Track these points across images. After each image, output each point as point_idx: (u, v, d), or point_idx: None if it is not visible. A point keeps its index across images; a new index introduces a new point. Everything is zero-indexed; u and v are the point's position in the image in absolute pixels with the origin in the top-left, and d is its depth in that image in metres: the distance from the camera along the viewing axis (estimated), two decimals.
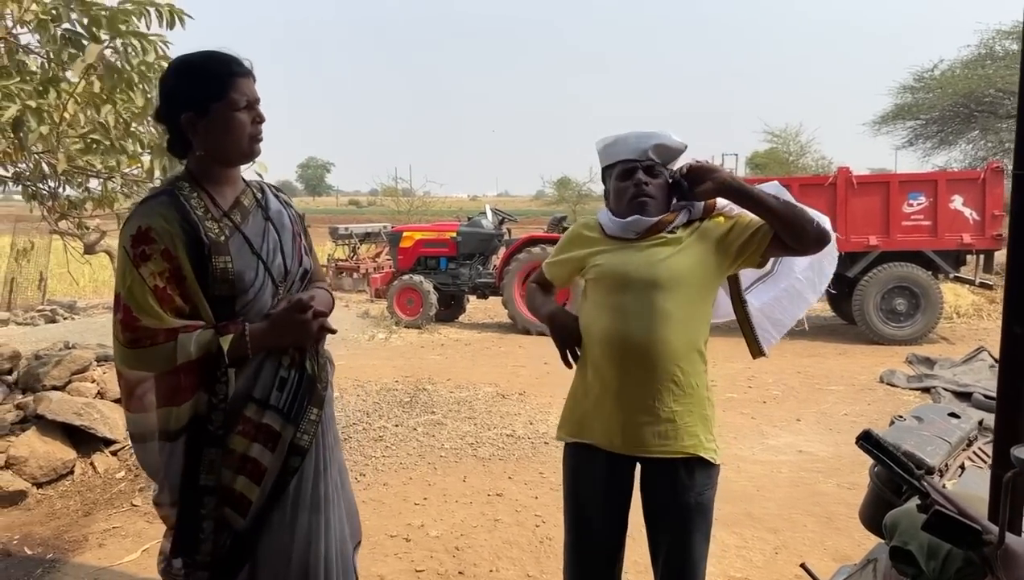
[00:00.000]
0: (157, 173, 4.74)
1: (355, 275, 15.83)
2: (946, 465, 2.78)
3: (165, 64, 4.22)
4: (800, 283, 2.44)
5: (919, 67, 23.02)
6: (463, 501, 4.49)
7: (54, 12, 4.05)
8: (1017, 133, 1.51)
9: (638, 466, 2.24)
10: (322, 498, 1.99)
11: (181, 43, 4.50)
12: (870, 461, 2.11)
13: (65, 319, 12.05)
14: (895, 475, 1.74)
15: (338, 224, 18.04)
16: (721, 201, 2.24)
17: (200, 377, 1.82)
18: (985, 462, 2.86)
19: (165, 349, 1.78)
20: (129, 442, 4.86)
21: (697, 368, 2.18)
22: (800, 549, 3.87)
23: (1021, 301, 1.61)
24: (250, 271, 1.90)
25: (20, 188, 5.30)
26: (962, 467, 2.84)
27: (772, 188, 2.19)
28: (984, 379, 7.48)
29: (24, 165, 4.85)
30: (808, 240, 2.11)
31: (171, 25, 4.19)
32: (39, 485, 4.48)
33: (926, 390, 7.37)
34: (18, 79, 4.08)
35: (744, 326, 2.47)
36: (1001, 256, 11.56)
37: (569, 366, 2.33)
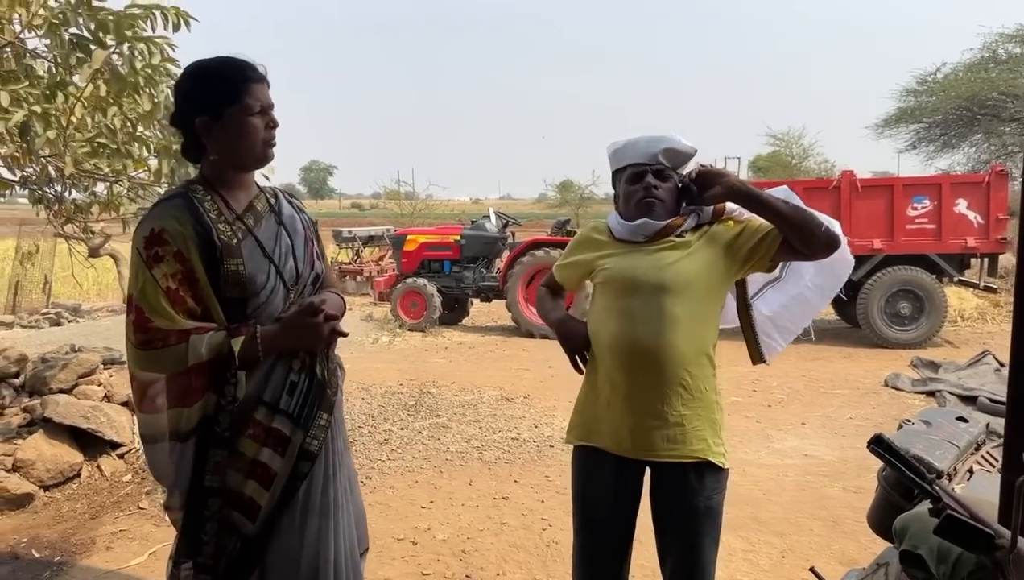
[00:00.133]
0: (164, 176, 4.75)
1: (358, 278, 15.84)
2: (955, 469, 2.79)
3: (171, 67, 4.24)
4: (810, 290, 2.44)
5: (922, 70, 23.01)
6: (469, 504, 4.49)
7: (61, 16, 4.07)
8: None
9: (647, 470, 2.24)
10: (332, 503, 2.00)
11: (184, 45, 4.51)
12: (876, 465, 2.12)
13: (69, 322, 12.08)
14: (906, 479, 1.74)
15: (341, 227, 18.05)
16: (730, 205, 2.24)
17: (210, 378, 1.82)
18: (994, 466, 2.86)
19: (177, 350, 1.79)
20: (135, 445, 4.89)
21: (706, 372, 2.18)
22: (806, 553, 3.86)
23: None
24: (262, 274, 1.91)
25: (26, 192, 5.31)
26: (971, 471, 2.84)
27: (782, 192, 2.20)
28: (989, 383, 7.46)
29: (30, 169, 4.86)
30: (818, 245, 2.11)
31: (176, 28, 4.20)
32: (46, 488, 4.49)
33: (931, 394, 7.36)
34: (26, 83, 4.09)
35: (747, 331, 2.47)
36: (1005, 259, 11.57)
37: (580, 372, 2.33)
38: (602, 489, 2.26)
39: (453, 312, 12.51)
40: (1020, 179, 14.22)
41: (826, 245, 2.12)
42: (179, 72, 4.13)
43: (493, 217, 12.78)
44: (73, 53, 4.24)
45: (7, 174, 4.97)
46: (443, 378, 8.03)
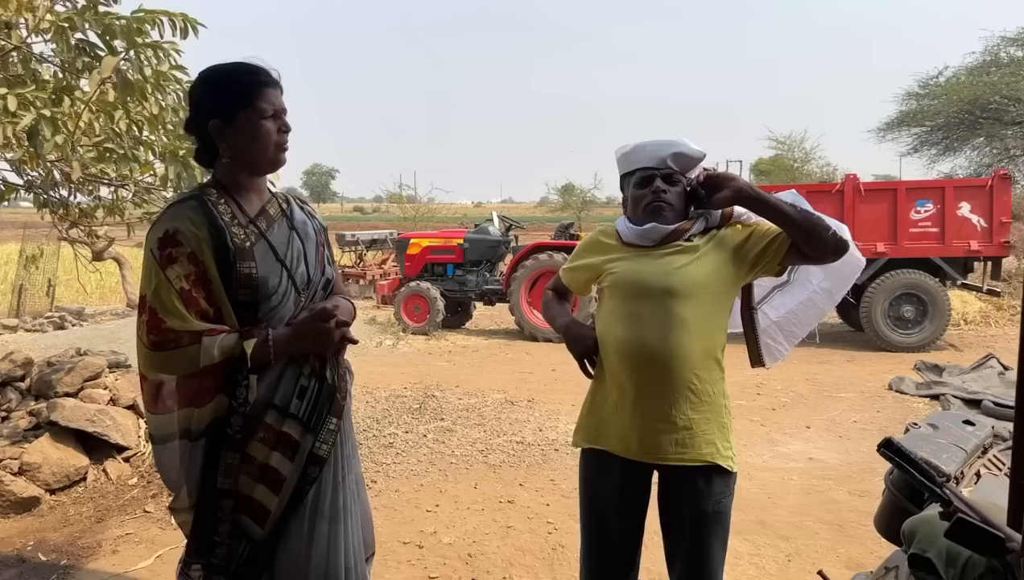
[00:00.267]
0: (170, 181, 4.76)
1: (361, 282, 15.86)
2: (962, 472, 2.79)
3: (179, 73, 4.25)
4: (817, 294, 2.45)
5: (924, 74, 23.05)
6: (475, 508, 4.49)
7: (68, 21, 4.08)
8: None
9: (655, 473, 2.25)
10: (341, 508, 2.00)
11: (187, 48, 4.52)
12: (881, 468, 2.13)
13: (73, 326, 12.09)
14: (916, 483, 1.75)
15: (344, 231, 18.09)
16: (738, 209, 2.25)
17: (222, 380, 1.83)
18: (1001, 469, 2.86)
19: (189, 352, 1.79)
20: (141, 449, 4.90)
21: (714, 376, 2.18)
22: (812, 556, 3.86)
23: None
24: (274, 277, 1.92)
25: (30, 196, 5.33)
26: (978, 474, 2.84)
27: (790, 196, 2.20)
28: (993, 386, 7.46)
29: (34, 173, 4.87)
30: (826, 249, 2.12)
31: (184, 34, 4.21)
32: (52, 491, 4.49)
33: (935, 397, 7.36)
34: (33, 87, 4.11)
35: (748, 335, 2.48)
36: (1009, 263, 11.57)
37: (589, 376, 2.33)
38: (609, 492, 2.26)
39: (456, 315, 12.53)
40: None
41: (834, 249, 2.13)
42: (187, 78, 4.16)
43: (496, 221, 12.80)
44: (80, 58, 4.25)
45: (12, 178, 4.99)
46: (447, 382, 8.04)
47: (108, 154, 4.54)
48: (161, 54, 4.09)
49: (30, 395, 5.13)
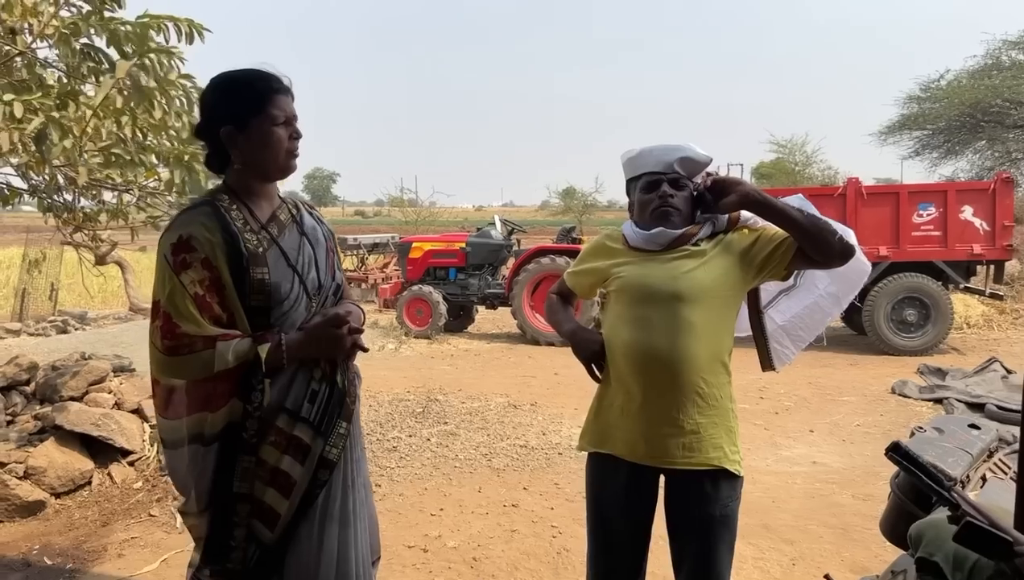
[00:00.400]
0: (175, 186, 4.77)
1: (363, 285, 15.87)
2: (967, 476, 2.80)
3: (185, 81, 4.26)
4: (823, 299, 2.46)
5: (925, 77, 23.08)
6: (479, 512, 4.49)
7: (73, 27, 4.10)
8: None
9: (662, 477, 2.25)
10: (350, 512, 2.01)
11: (188, 50, 4.52)
12: (885, 472, 2.13)
13: (76, 330, 12.10)
14: (924, 487, 1.75)
15: (345, 234, 18.11)
16: (745, 214, 2.25)
17: (236, 385, 1.84)
18: (1006, 473, 2.87)
19: (203, 357, 1.80)
20: (145, 452, 4.91)
21: (721, 380, 2.19)
22: (817, 560, 3.87)
23: None
24: (286, 283, 1.93)
25: (33, 199, 5.34)
26: (983, 478, 2.85)
27: (796, 201, 2.21)
28: (997, 390, 7.46)
29: (39, 178, 4.89)
30: (832, 253, 2.13)
31: (190, 39, 4.22)
32: (57, 495, 4.51)
33: (938, 401, 7.35)
34: (39, 93, 4.12)
35: (758, 339, 2.49)
36: (1011, 266, 11.56)
37: (597, 380, 2.33)
38: (616, 496, 2.26)
39: (458, 319, 12.53)
40: None
41: (841, 254, 2.14)
42: (192, 84, 4.18)
43: (498, 224, 12.81)
44: (84, 63, 4.27)
45: (17, 183, 5.00)
46: (450, 385, 8.04)
47: (115, 159, 4.55)
48: (170, 61, 4.10)
49: (35, 399, 5.14)
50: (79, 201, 5.45)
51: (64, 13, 4.21)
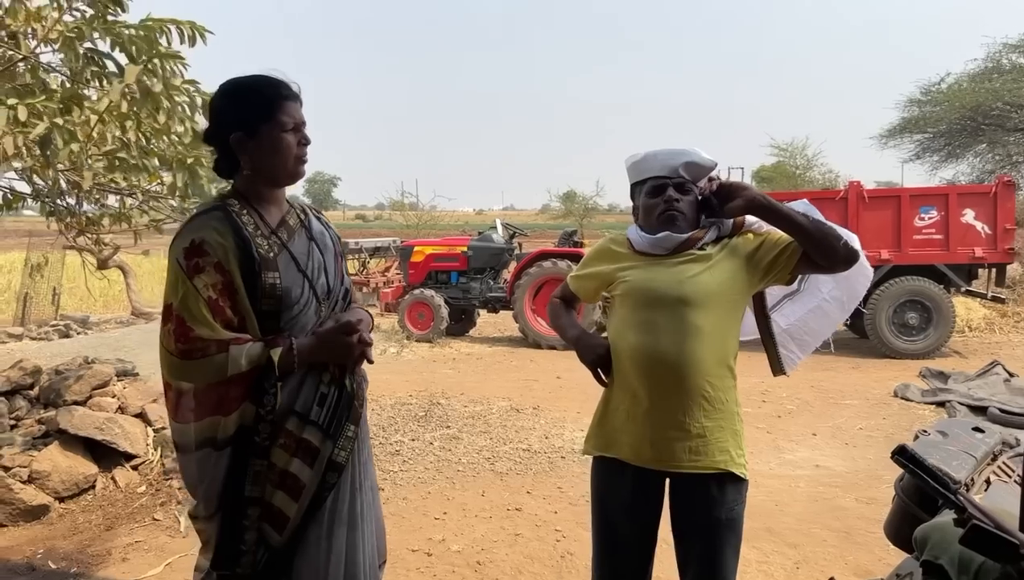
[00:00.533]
0: (178, 190, 4.78)
1: (365, 289, 15.87)
2: (972, 479, 2.79)
3: (189, 86, 4.27)
4: (827, 303, 2.47)
5: (926, 80, 23.10)
6: (483, 516, 4.50)
7: (76, 31, 4.11)
8: None
9: (667, 481, 2.25)
10: (358, 514, 2.02)
11: (189, 54, 4.53)
12: (888, 475, 2.14)
13: (78, 334, 12.10)
14: (931, 490, 1.76)
15: (346, 238, 18.11)
16: (750, 218, 2.26)
17: (248, 388, 1.85)
18: (1011, 476, 2.86)
19: (217, 361, 1.81)
20: (149, 457, 4.91)
21: (727, 383, 2.19)
22: (821, 564, 3.87)
23: None
24: (296, 287, 1.94)
25: (35, 204, 5.35)
26: (987, 482, 2.85)
27: (801, 206, 2.22)
28: (999, 393, 7.46)
29: (43, 182, 4.90)
30: (837, 258, 2.14)
31: (192, 42, 4.23)
32: (61, 499, 4.51)
33: (941, 404, 7.36)
34: (43, 96, 4.13)
35: (767, 343, 2.49)
36: (1013, 269, 11.55)
37: (604, 385, 2.33)
38: (621, 500, 2.26)
39: (460, 323, 12.53)
40: None
41: (845, 259, 2.15)
42: (195, 89, 4.19)
43: (500, 228, 12.82)
44: (88, 67, 4.28)
45: (20, 187, 5.01)
46: (452, 389, 8.04)
47: (119, 163, 4.57)
48: (173, 66, 4.11)
49: (39, 403, 5.15)
50: (82, 205, 5.47)
51: (67, 18, 4.22)
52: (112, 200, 5.45)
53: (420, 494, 4.87)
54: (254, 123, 1.90)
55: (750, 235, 2.27)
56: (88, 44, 4.21)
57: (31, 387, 5.24)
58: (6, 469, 4.43)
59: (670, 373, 2.12)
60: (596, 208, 43.11)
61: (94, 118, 4.07)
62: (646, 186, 2.27)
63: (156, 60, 4.06)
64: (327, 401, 1.96)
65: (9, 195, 5.01)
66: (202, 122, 4.39)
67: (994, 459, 3.03)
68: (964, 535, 1.58)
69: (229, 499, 1.88)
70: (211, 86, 4.09)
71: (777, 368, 2.49)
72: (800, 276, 2.36)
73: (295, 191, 2.09)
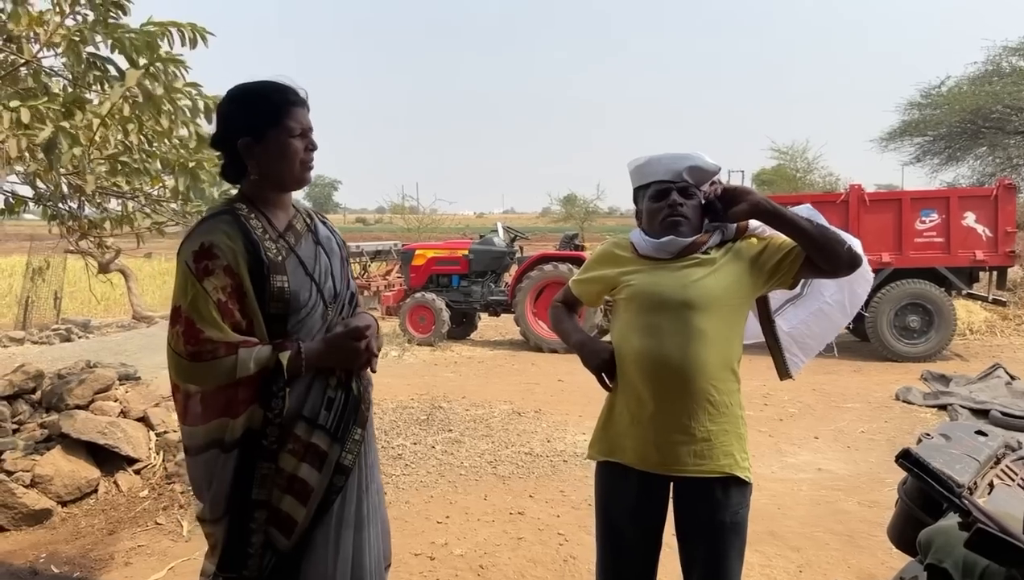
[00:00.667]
0: (180, 193, 4.79)
1: (366, 293, 15.87)
2: (975, 483, 2.79)
3: (191, 89, 4.28)
4: (829, 307, 2.47)
5: (926, 84, 23.12)
6: (485, 519, 4.49)
7: (79, 35, 4.11)
8: None
9: (671, 485, 2.25)
10: (365, 517, 2.03)
11: (190, 56, 4.53)
12: (890, 479, 2.14)
13: (80, 338, 12.11)
14: (936, 493, 1.76)
15: (348, 242, 18.05)
16: (753, 222, 2.27)
17: (256, 391, 1.86)
18: (1013, 480, 2.86)
19: (226, 363, 1.82)
20: (151, 461, 4.91)
21: (731, 387, 2.20)
22: (823, 567, 3.87)
23: None
24: (304, 291, 1.96)
25: (39, 208, 5.35)
26: (991, 485, 2.85)
27: (805, 210, 2.23)
28: (1001, 396, 7.46)
29: (46, 186, 4.90)
30: (840, 263, 2.15)
31: (193, 44, 4.23)
32: (64, 503, 4.51)
33: (942, 407, 7.35)
34: (46, 99, 4.14)
35: (773, 348, 2.50)
36: (1014, 272, 11.55)
37: (609, 390, 2.33)
38: (626, 505, 2.27)
39: (461, 326, 12.54)
40: None
41: (849, 264, 2.16)
42: (197, 92, 4.19)
43: (501, 232, 12.83)
44: (90, 71, 4.28)
45: (22, 191, 5.02)
46: (453, 392, 8.04)
47: (121, 167, 4.57)
48: (175, 69, 4.11)
49: (41, 407, 5.14)
50: (84, 209, 5.47)
51: (68, 22, 4.23)
52: (114, 203, 5.46)
53: (422, 498, 4.87)
54: (262, 128, 1.92)
55: (753, 239, 2.28)
56: (91, 48, 4.22)
57: (33, 391, 5.24)
58: (9, 473, 4.42)
59: (675, 377, 2.12)
60: (596, 211, 43.12)
61: (96, 122, 4.07)
62: (650, 190, 2.28)
63: (159, 64, 4.07)
64: (334, 405, 1.97)
65: (11, 199, 5.01)
66: (204, 125, 4.41)
67: (997, 462, 3.03)
68: (969, 539, 1.58)
69: (236, 502, 1.88)
70: (212, 88, 4.11)
71: (783, 372, 2.50)
72: (803, 280, 2.37)
73: (295, 196, 2.10)
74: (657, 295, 2.18)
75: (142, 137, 4.51)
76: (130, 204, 5.30)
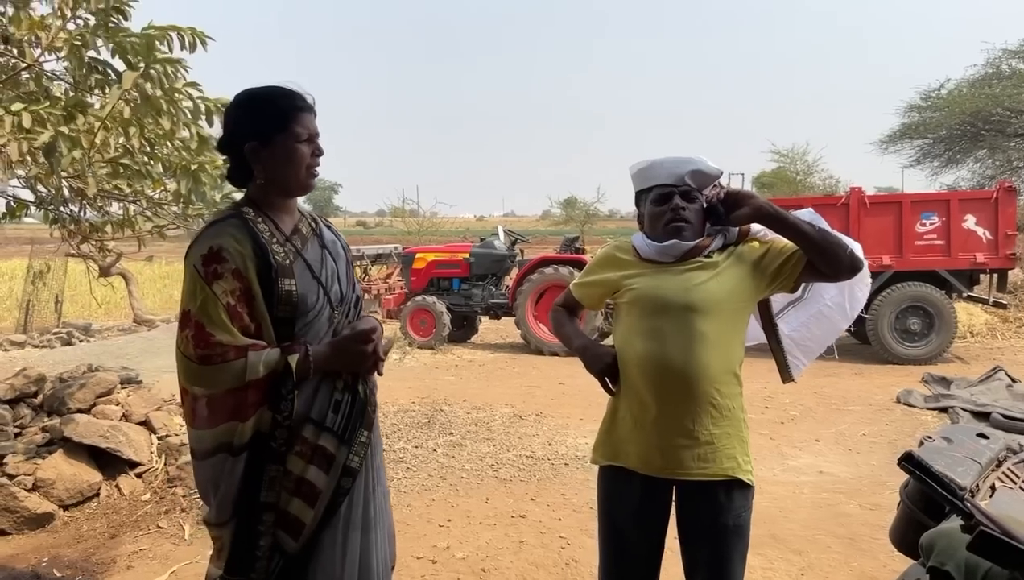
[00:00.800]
0: (182, 197, 4.79)
1: (367, 296, 15.87)
2: (977, 486, 2.80)
3: (192, 91, 4.29)
4: (829, 309, 2.48)
5: (926, 86, 23.12)
6: (487, 523, 4.49)
7: (81, 39, 4.12)
8: None
9: (674, 488, 2.26)
10: (372, 519, 2.04)
11: (191, 59, 4.54)
12: (892, 482, 2.14)
13: (81, 342, 12.11)
14: (938, 496, 1.76)
15: (349, 245, 18.06)
16: (755, 226, 2.28)
17: (264, 394, 1.86)
18: (1016, 482, 2.87)
19: (235, 366, 1.82)
20: (153, 464, 4.91)
21: (734, 390, 2.20)
22: (825, 570, 3.87)
23: None
24: (311, 294, 1.97)
25: (40, 211, 5.36)
26: (992, 488, 2.85)
27: (807, 214, 2.24)
28: (1002, 399, 7.46)
29: (47, 190, 4.90)
30: (842, 267, 2.15)
31: (193, 48, 4.24)
32: (66, 507, 4.51)
33: (943, 410, 7.35)
34: (47, 103, 4.14)
35: (776, 351, 2.50)
36: (1015, 275, 11.55)
37: (612, 394, 2.34)
38: (629, 508, 2.27)
39: (462, 330, 12.53)
40: None
41: (850, 268, 2.17)
42: (197, 94, 4.20)
43: (502, 235, 12.84)
44: (92, 75, 4.29)
45: (23, 194, 5.02)
46: (454, 396, 8.05)
47: (122, 170, 4.58)
48: (174, 71, 4.12)
49: (43, 411, 5.14)
50: (85, 212, 5.47)
51: (70, 26, 4.24)
52: (115, 207, 5.47)
53: (424, 501, 4.87)
54: (269, 133, 1.93)
55: (755, 243, 2.28)
56: (92, 52, 4.23)
57: (35, 395, 5.24)
58: (10, 477, 4.43)
59: (678, 380, 2.13)
60: (597, 214, 43.16)
61: (97, 124, 4.08)
62: (652, 194, 2.28)
63: (158, 65, 4.08)
64: (341, 407, 1.98)
65: (12, 203, 5.02)
66: (205, 127, 4.42)
67: (999, 465, 3.03)
68: (972, 541, 1.58)
69: (244, 505, 1.88)
70: (213, 91, 4.12)
71: (786, 375, 2.51)
72: (804, 284, 2.38)
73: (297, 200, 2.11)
74: (660, 299, 2.18)
75: (143, 140, 4.52)
76: (131, 207, 5.31)
